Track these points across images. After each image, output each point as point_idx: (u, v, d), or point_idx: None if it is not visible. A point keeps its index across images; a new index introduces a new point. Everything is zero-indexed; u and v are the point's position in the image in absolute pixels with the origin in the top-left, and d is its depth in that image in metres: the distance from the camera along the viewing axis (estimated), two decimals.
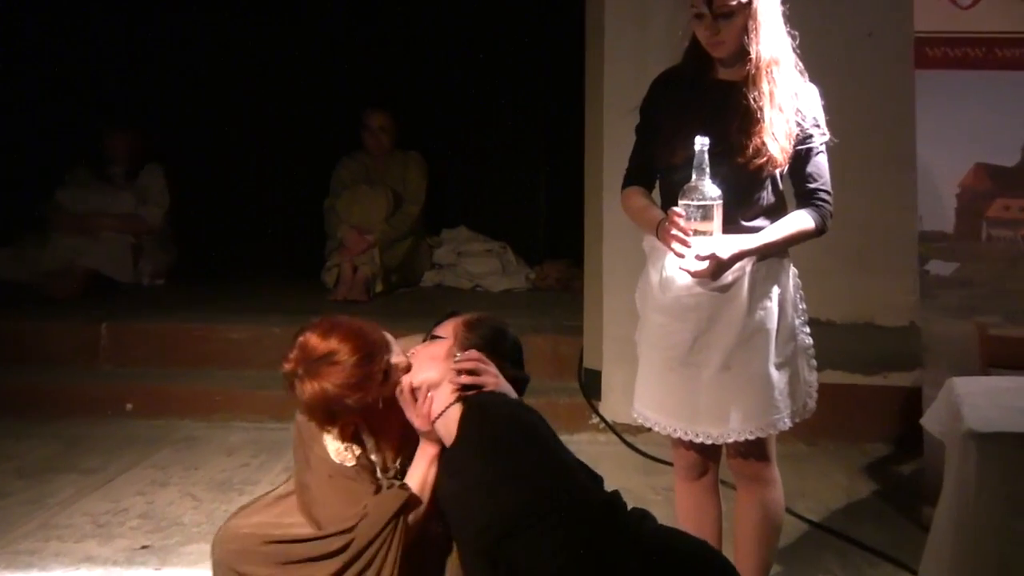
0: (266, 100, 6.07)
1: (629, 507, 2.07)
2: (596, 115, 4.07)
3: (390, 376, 2.18)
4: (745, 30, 2.20)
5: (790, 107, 2.24)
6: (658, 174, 2.39)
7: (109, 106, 5.86)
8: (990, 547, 2.05)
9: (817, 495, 3.45)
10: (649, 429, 2.43)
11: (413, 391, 2.20)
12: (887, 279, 3.87)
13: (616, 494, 2.07)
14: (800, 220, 2.29)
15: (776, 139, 2.21)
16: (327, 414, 2.17)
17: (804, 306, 2.40)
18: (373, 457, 2.29)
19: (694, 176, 2.16)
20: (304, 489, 2.26)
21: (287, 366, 2.15)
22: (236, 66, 6.01)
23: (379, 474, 2.27)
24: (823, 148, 2.32)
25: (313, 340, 2.15)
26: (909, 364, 3.79)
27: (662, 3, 3.65)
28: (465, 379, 2.16)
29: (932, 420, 2.51)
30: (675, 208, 2.17)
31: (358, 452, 2.24)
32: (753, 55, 2.21)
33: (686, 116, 2.25)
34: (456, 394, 2.16)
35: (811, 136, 2.29)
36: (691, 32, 2.28)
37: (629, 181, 2.43)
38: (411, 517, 2.15)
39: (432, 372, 2.20)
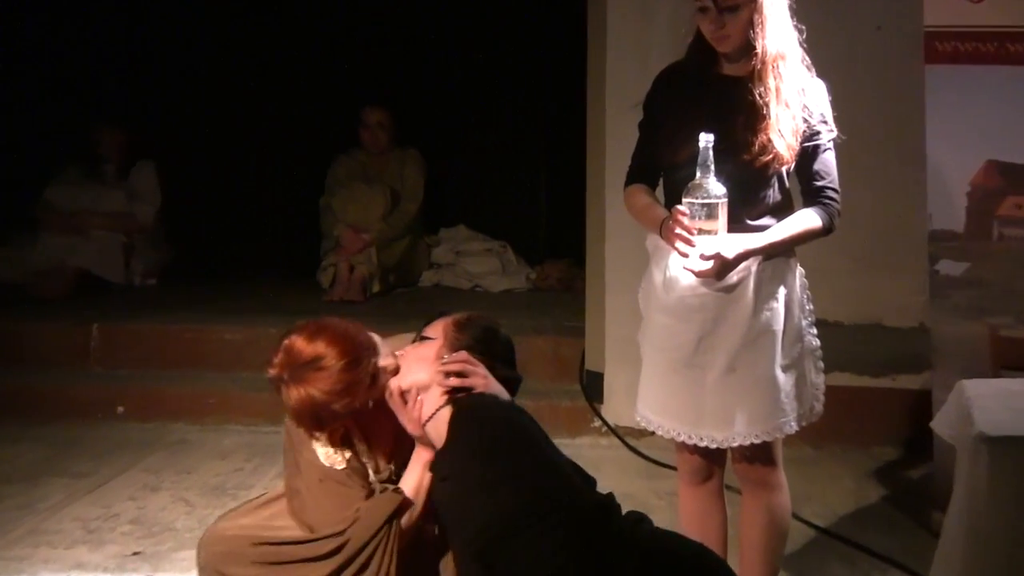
0: (261, 96, 6.07)
1: (627, 510, 2.07)
2: (598, 111, 4.07)
3: (378, 380, 2.19)
4: (751, 24, 2.20)
5: (797, 103, 2.24)
6: (662, 172, 2.39)
7: (100, 102, 5.87)
8: (1001, 553, 2.05)
9: (824, 500, 3.45)
10: (652, 432, 2.42)
11: (403, 394, 2.20)
12: (896, 279, 3.87)
13: (610, 496, 2.07)
14: (807, 219, 2.29)
15: (782, 136, 2.21)
16: (314, 420, 2.17)
17: (811, 307, 2.40)
18: (364, 460, 2.29)
19: (698, 174, 2.15)
20: (295, 494, 2.27)
21: (272, 371, 2.16)
22: (230, 61, 6.02)
23: (372, 477, 2.28)
24: (831, 145, 2.32)
25: (299, 344, 2.15)
26: (918, 366, 3.79)
27: None
28: (453, 381, 2.16)
29: (942, 423, 2.51)
30: (679, 206, 2.17)
31: (348, 455, 2.25)
32: (759, 50, 2.21)
33: (690, 112, 2.25)
34: (445, 396, 2.16)
35: (818, 133, 2.29)
36: (695, 26, 2.28)
37: (632, 179, 2.43)
38: (405, 521, 2.16)
39: (421, 374, 2.20)
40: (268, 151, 6.14)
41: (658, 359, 2.38)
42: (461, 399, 2.14)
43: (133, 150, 5.75)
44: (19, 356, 4.55)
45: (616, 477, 3.63)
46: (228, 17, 5.95)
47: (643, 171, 2.42)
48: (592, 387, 4.18)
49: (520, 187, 6.21)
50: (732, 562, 2.44)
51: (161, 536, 3.17)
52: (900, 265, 3.84)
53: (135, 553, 3.05)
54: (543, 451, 2.04)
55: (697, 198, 2.15)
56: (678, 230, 2.16)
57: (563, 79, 5.21)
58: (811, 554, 3.07)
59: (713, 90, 2.28)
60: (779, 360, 2.29)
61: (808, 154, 2.29)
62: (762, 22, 2.20)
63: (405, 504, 2.16)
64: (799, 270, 2.38)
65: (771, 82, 2.21)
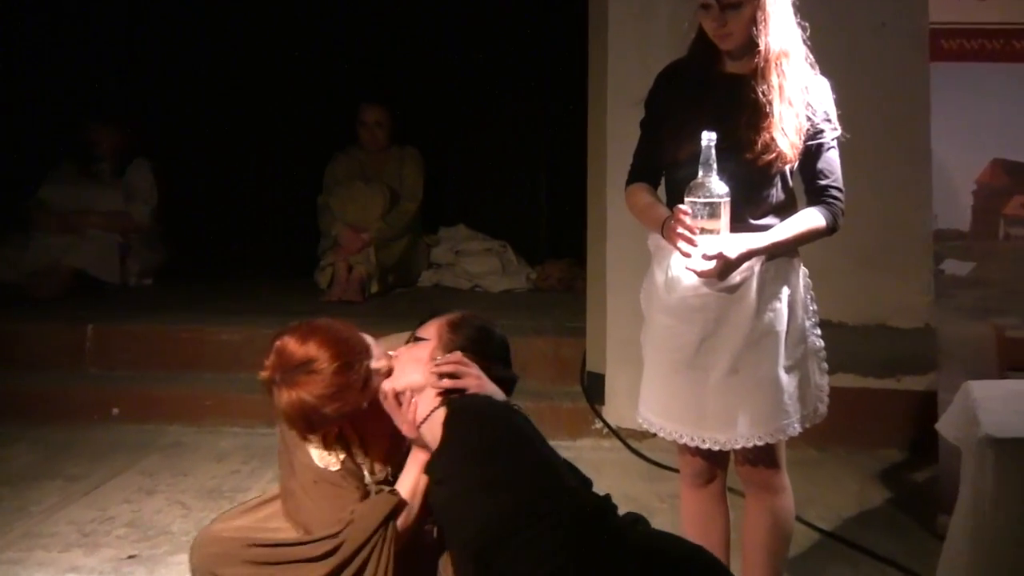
0: (259, 94, 6.08)
1: (626, 512, 2.07)
2: (599, 110, 4.07)
3: (370, 383, 2.19)
4: (753, 21, 2.20)
5: (800, 101, 2.24)
6: (664, 170, 2.39)
7: (95, 100, 5.87)
8: (1007, 557, 2.05)
9: (828, 503, 3.45)
10: (654, 435, 2.43)
11: (397, 396, 2.20)
12: (901, 279, 3.87)
13: (607, 498, 2.07)
14: (811, 218, 2.29)
15: (786, 134, 2.21)
16: (305, 423, 2.18)
17: (815, 307, 2.40)
18: (359, 461, 2.30)
19: (701, 172, 2.15)
20: (289, 495, 2.27)
21: (264, 373, 2.17)
22: (228, 59, 6.02)
23: (367, 479, 2.28)
24: (834, 143, 2.32)
25: (291, 346, 2.16)
26: (923, 367, 3.80)
27: None
28: (446, 383, 2.16)
29: (947, 425, 2.51)
30: (681, 206, 2.17)
31: (342, 456, 2.26)
32: (762, 47, 2.21)
33: (692, 111, 2.25)
34: (440, 398, 2.16)
35: (822, 131, 2.29)
36: (697, 23, 2.28)
37: (633, 178, 2.43)
38: (402, 522, 2.16)
39: (415, 376, 2.20)
40: (266, 149, 6.15)
41: (660, 360, 2.38)
42: (454, 400, 2.14)
43: (129, 148, 5.74)
44: (13, 357, 4.55)
45: (618, 479, 3.64)
46: (225, 14, 5.95)
47: (645, 170, 2.42)
48: (593, 388, 4.18)
49: (520, 186, 6.21)
50: (735, 566, 2.45)
51: (157, 539, 3.17)
52: (905, 265, 3.84)
53: (130, 557, 3.05)
54: (538, 452, 2.04)
55: (699, 197, 2.15)
56: (680, 229, 2.16)
57: (564, 76, 5.21)
58: (815, 557, 3.07)
59: (715, 88, 2.28)
60: (782, 361, 2.29)
61: (811, 153, 2.29)
62: (765, 19, 2.20)
63: (401, 505, 2.16)
64: (803, 270, 2.38)
65: (774, 80, 2.21)
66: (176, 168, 5.84)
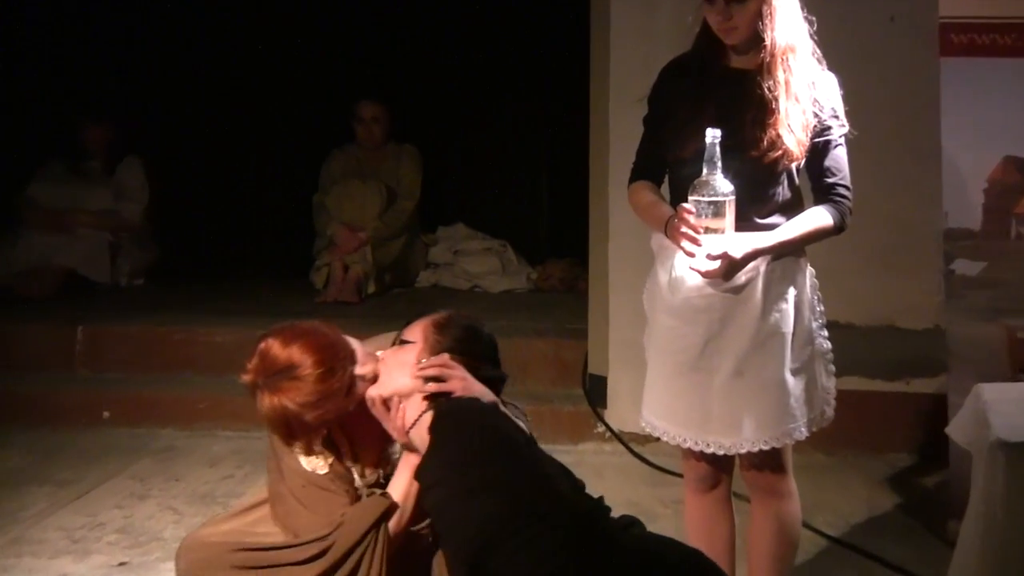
0: (254, 90, 6.07)
1: (624, 515, 2.07)
2: (601, 106, 4.07)
3: (354, 389, 2.20)
4: (759, 15, 2.20)
5: (807, 97, 2.24)
6: (667, 168, 2.39)
7: (85, 96, 5.86)
8: (1019, 563, 2.05)
9: (836, 508, 3.45)
10: (657, 438, 2.43)
11: (385, 402, 2.21)
12: (910, 279, 3.87)
13: (600, 500, 2.07)
14: (817, 217, 2.29)
15: (792, 131, 2.21)
16: (286, 429, 2.20)
17: (822, 308, 2.41)
18: (349, 465, 2.30)
19: (705, 170, 2.16)
20: (279, 499, 2.28)
21: (246, 377, 2.18)
22: (221, 54, 6.02)
23: (358, 482, 2.29)
24: (842, 141, 2.32)
25: (274, 349, 2.18)
26: (933, 369, 3.80)
27: None
28: (432, 387, 2.17)
29: (958, 429, 2.51)
30: (685, 204, 2.17)
31: (331, 460, 2.26)
32: (768, 42, 2.21)
33: (697, 107, 2.25)
34: (427, 402, 2.16)
35: (829, 128, 2.29)
36: (702, 17, 2.28)
37: (636, 176, 2.43)
38: (393, 525, 2.17)
39: (402, 381, 2.20)
40: (260, 147, 6.15)
41: (663, 362, 2.38)
42: (440, 405, 2.14)
43: (119, 146, 5.75)
44: (1, 359, 4.55)
45: (620, 484, 3.64)
46: (219, 8, 5.95)
47: (648, 168, 2.42)
48: (595, 391, 4.18)
49: (521, 184, 6.21)
50: (740, 573, 2.45)
51: (148, 546, 3.17)
52: (914, 265, 3.84)
53: (121, 564, 3.05)
54: (522, 457, 2.03)
55: (704, 196, 2.15)
56: (684, 229, 2.16)
57: (565, 72, 5.21)
58: (822, 564, 3.07)
59: (720, 84, 2.28)
60: (788, 363, 2.29)
61: (818, 150, 2.29)
62: (771, 13, 2.20)
63: (393, 508, 2.17)
64: (809, 270, 2.38)
65: (780, 75, 2.21)
66: (168, 166, 5.84)
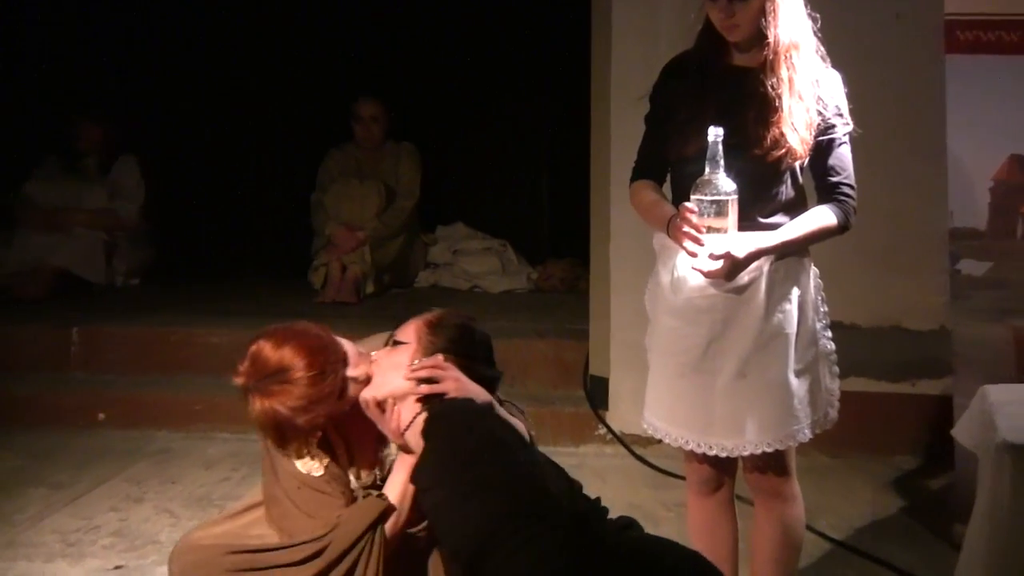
0: (251, 88, 6.07)
1: (619, 516, 2.07)
2: (602, 103, 4.07)
3: (346, 392, 2.20)
4: (762, 12, 2.20)
5: (811, 95, 2.24)
6: (669, 167, 2.39)
7: (81, 94, 5.87)
8: None
9: (840, 511, 3.45)
10: (660, 441, 2.43)
11: (379, 405, 2.21)
12: (915, 279, 3.87)
13: (596, 501, 2.07)
14: (821, 216, 2.29)
15: (796, 129, 2.21)
16: (278, 433, 2.21)
17: (825, 308, 2.40)
18: (345, 466, 2.30)
19: (707, 169, 2.16)
20: (274, 502, 2.28)
21: (238, 380, 2.19)
22: (219, 52, 6.02)
23: (353, 484, 2.29)
24: (846, 139, 2.32)
25: (266, 351, 2.18)
26: (939, 371, 3.79)
27: None
28: (424, 388, 2.17)
29: (964, 431, 2.51)
30: (687, 203, 2.17)
31: (326, 462, 2.26)
32: (771, 39, 2.21)
33: (699, 105, 2.25)
34: (420, 404, 2.17)
35: (833, 126, 2.29)
36: (704, 14, 2.28)
37: (638, 174, 2.43)
38: (390, 527, 2.17)
39: (395, 384, 2.20)
40: (257, 145, 6.15)
41: (665, 363, 2.38)
42: (432, 407, 2.14)
43: (115, 144, 5.75)
44: None
45: (622, 487, 3.64)
46: (215, 5, 5.95)
47: (649, 166, 2.42)
48: (597, 393, 4.18)
49: (521, 183, 6.21)
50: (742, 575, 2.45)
51: (144, 549, 3.17)
52: (919, 265, 3.84)
53: (117, 567, 3.05)
54: (518, 457, 2.03)
55: (706, 195, 2.15)
56: (686, 228, 2.16)
57: (566, 69, 5.21)
58: (826, 568, 3.07)
59: (723, 82, 2.28)
60: (792, 365, 2.29)
61: (822, 148, 2.29)
62: (774, 10, 2.20)
63: (389, 510, 2.17)
64: (813, 270, 2.38)
65: (784, 73, 2.21)
66: (165, 164, 5.84)
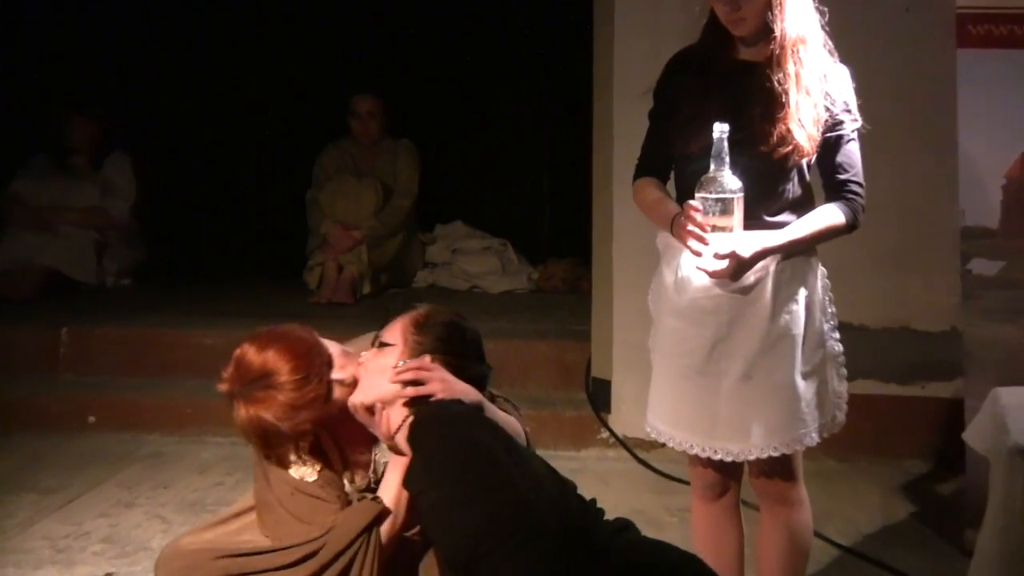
0: (243, 83, 6.08)
1: (615, 519, 2.06)
2: (605, 99, 4.07)
3: (332, 396, 2.20)
4: (768, 5, 2.20)
5: (818, 90, 2.24)
6: (673, 164, 2.39)
7: (71, 89, 5.87)
8: None
9: (849, 517, 3.45)
10: (663, 444, 2.43)
11: (368, 409, 2.21)
12: (925, 279, 3.87)
13: (591, 503, 2.07)
14: (829, 215, 2.29)
15: (803, 126, 2.21)
16: (262, 441, 2.22)
17: (833, 309, 2.40)
18: (339, 470, 2.31)
19: (712, 166, 2.15)
20: (267, 508, 2.28)
21: (222, 386, 2.20)
22: (210, 46, 6.02)
23: (347, 487, 2.29)
24: (854, 135, 2.32)
25: (249, 355, 2.20)
26: (950, 373, 3.80)
27: None
28: (410, 391, 2.17)
29: (975, 434, 2.51)
30: (691, 202, 2.17)
31: (319, 466, 2.27)
32: (777, 33, 2.21)
33: (704, 100, 2.25)
34: (409, 407, 2.17)
35: (841, 122, 2.29)
36: (709, 8, 2.28)
37: (641, 172, 2.43)
38: (386, 530, 2.17)
39: (382, 387, 2.20)
40: (251, 142, 6.15)
41: (669, 366, 2.38)
42: (417, 411, 2.14)
43: (106, 141, 5.75)
44: None
45: (625, 492, 3.64)
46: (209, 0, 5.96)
47: (653, 164, 2.42)
48: (599, 395, 4.19)
49: (522, 180, 6.21)
50: None
51: (135, 556, 3.17)
52: (930, 264, 3.84)
53: (108, 574, 3.05)
54: (506, 461, 2.02)
55: (711, 193, 2.15)
56: (690, 227, 2.16)
57: (568, 64, 5.22)
58: (834, 575, 3.06)
59: (728, 77, 2.28)
60: (799, 367, 2.29)
61: (830, 145, 2.29)
62: (780, 3, 2.20)
63: (384, 513, 2.18)
64: (821, 270, 2.38)
65: (790, 68, 2.21)
66: (157, 162, 5.84)
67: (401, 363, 2.20)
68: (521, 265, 5.84)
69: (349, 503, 2.26)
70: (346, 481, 2.33)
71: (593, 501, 2.08)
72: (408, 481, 2.07)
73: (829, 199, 2.33)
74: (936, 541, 3.29)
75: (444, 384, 2.17)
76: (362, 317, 4.75)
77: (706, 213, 2.15)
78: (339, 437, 2.33)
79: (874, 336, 3.89)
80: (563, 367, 4.39)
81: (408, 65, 6.00)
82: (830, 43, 2.30)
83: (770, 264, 2.26)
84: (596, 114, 4.26)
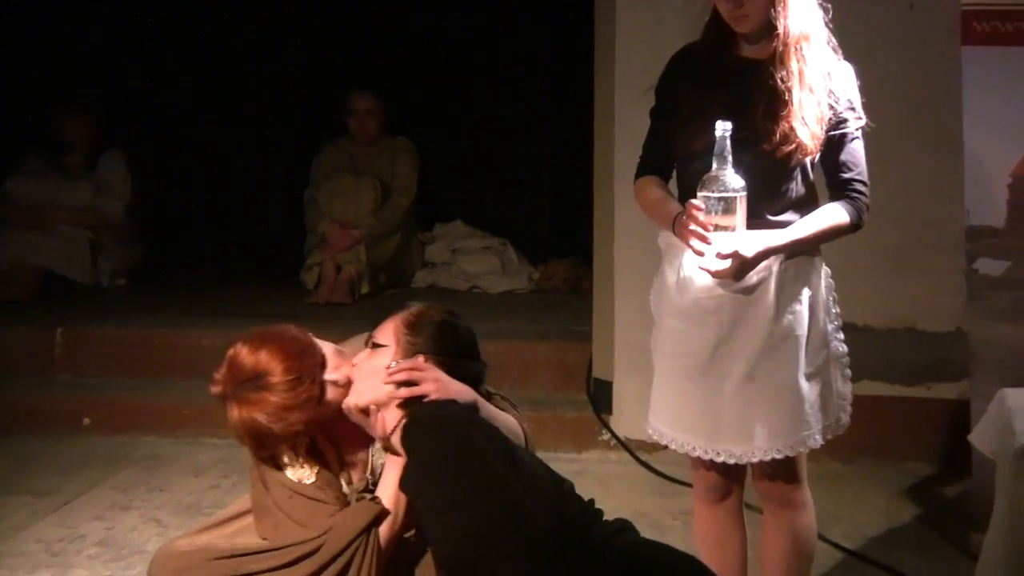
0: (240, 80, 6.08)
1: (614, 520, 2.06)
2: (606, 97, 4.07)
3: (325, 397, 2.21)
4: (771, 2, 2.20)
5: (822, 88, 2.24)
6: (675, 163, 2.39)
7: (65, 87, 5.86)
8: None
9: (853, 520, 3.45)
10: (665, 447, 2.42)
11: (363, 411, 2.21)
12: (931, 279, 3.87)
13: (589, 504, 2.07)
14: (833, 214, 2.29)
15: (806, 124, 2.21)
16: (255, 442, 2.22)
17: (837, 310, 2.40)
18: (337, 472, 2.31)
19: (715, 165, 2.16)
20: (264, 512, 2.28)
21: (215, 388, 2.21)
22: (206, 43, 6.02)
23: (345, 489, 2.29)
24: (859, 134, 2.32)
25: (242, 355, 2.22)
26: (955, 374, 3.80)
27: None
28: (403, 393, 2.17)
29: (981, 436, 2.51)
30: (694, 200, 2.17)
31: (316, 468, 2.27)
32: (780, 30, 2.21)
33: (706, 98, 2.25)
34: (402, 408, 2.17)
35: (845, 120, 2.29)
36: (712, 5, 2.28)
37: (643, 170, 2.43)
38: (386, 530, 2.17)
39: (376, 389, 2.20)
40: (248, 140, 6.15)
41: (671, 367, 2.38)
42: (413, 413, 2.13)
43: (100, 138, 5.74)
44: None
45: (626, 495, 3.64)
46: None
47: (655, 162, 2.42)
48: (600, 397, 4.19)
49: (522, 179, 6.21)
50: None
51: (131, 559, 3.17)
52: (935, 264, 3.84)
53: None
54: (499, 465, 2.02)
55: (713, 191, 2.15)
56: (693, 226, 2.16)
57: (569, 61, 5.22)
58: None
59: (731, 74, 2.28)
60: (803, 368, 2.29)
61: (834, 143, 2.29)
62: (784, 0, 2.20)
63: (383, 514, 2.18)
64: (824, 270, 2.38)
65: (794, 65, 2.21)
66: (152, 160, 5.84)
67: (394, 364, 2.20)
68: (521, 265, 5.84)
69: (347, 504, 2.26)
70: (343, 482, 2.33)
71: (591, 502, 2.08)
72: (404, 484, 2.08)
73: (833, 198, 2.33)
74: (941, 544, 3.29)
75: (438, 384, 2.17)
76: (360, 317, 4.74)
77: (708, 212, 2.15)
78: (335, 437, 2.33)
79: (879, 337, 3.89)
80: (564, 368, 4.39)
81: (407, 63, 6.00)
82: (834, 40, 2.30)
83: (773, 264, 2.26)
84: (597, 112, 4.26)
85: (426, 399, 2.15)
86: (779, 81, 2.21)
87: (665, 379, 2.40)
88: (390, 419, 2.18)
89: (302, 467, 2.27)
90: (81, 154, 5.74)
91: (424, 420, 2.10)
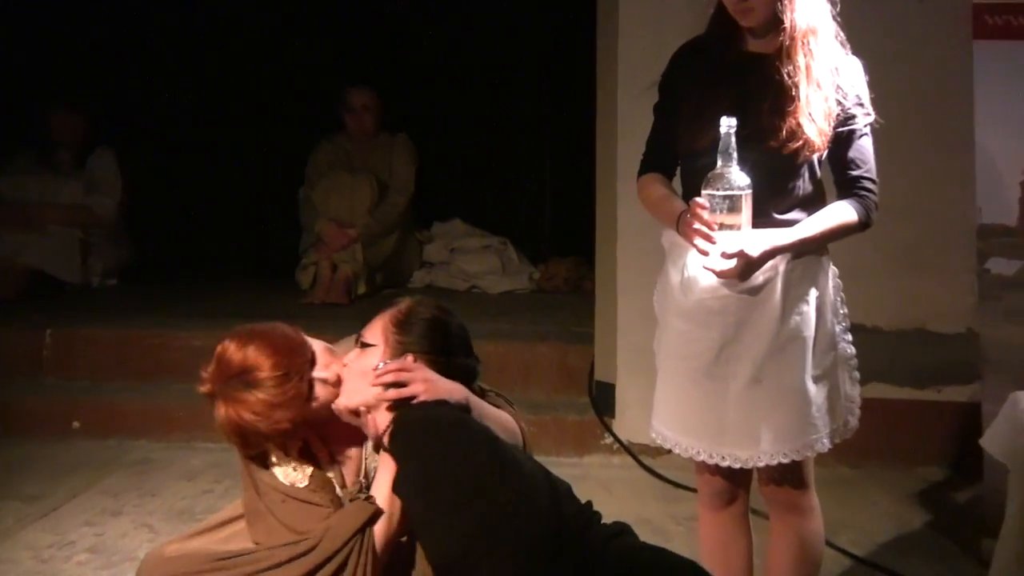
0: (233, 76, 6.08)
1: (612, 523, 2.06)
2: (609, 93, 4.08)
3: (314, 395, 2.21)
4: None
5: (829, 83, 2.24)
6: (679, 160, 2.39)
7: (55, 83, 5.87)
8: None
9: (862, 526, 3.45)
10: (669, 451, 2.43)
11: (353, 412, 2.22)
12: (941, 279, 3.87)
13: (586, 506, 2.06)
14: (841, 212, 2.29)
15: (813, 120, 2.21)
16: (241, 440, 2.22)
17: (845, 310, 2.41)
18: (330, 474, 2.31)
19: (720, 162, 2.16)
20: (257, 517, 2.28)
21: (203, 387, 2.22)
22: (198, 38, 6.02)
23: (339, 491, 2.29)
24: (867, 130, 2.32)
25: (230, 351, 2.22)
26: (966, 376, 3.80)
27: None
28: (392, 394, 2.16)
29: (993, 440, 2.51)
30: (698, 199, 2.17)
31: (309, 470, 2.27)
32: (787, 24, 2.21)
33: (711, 94, 2.25)
34: (393, 410, 2.17)
35: (853, 116, 2.29)
36: None
37: (646, 168, 2.43)
38: (382, 531, 2.17)
39: (365, 390, 2.20)
40: (242, 137, 6.14)
41: (675, 369, 2.38)
42: (401, 415, 2.13)
43: (91, 136, 5.75)
44: None
45: (629, 499, 3.64)
46: None
47: (659, 159, 2.42)
48: (603, 400, 4.19)
49: (522, 177, 6.21)
50: None
51: (122, 566, 3.17)
52: (946, 264, 3.84)
53: None
54: (491, 466, 2.02)
55: (718, 189, 2.15)
56: (697, 225, 2.16)
57: (570, 57, 5.22)
58: None
59: (736, 69, 2.28)
60: (810, 370, 2.29)
61: (842, 140, 2.29)
62: None
63: (377, 514, 2.18)
64: (832, 269, 2.38)
65: (801, 60, 2.21)
66: (143, 158, 5.84)
67: (382, 365, 2.20)
68: (522, 264, 5.84)
69: (341, 506, 2.26)
70: (337, 484, 2.33)
71: (589, 504, 2.08)
72: (395, 488, 2.08)
73: (841, 196, 2.33)
74: (952, 550, 3.29)
75: (427, 384, 2.16)
76: (356, 318, 4.71)
77: (713, 211, 2.15)
78: (327, 437, 2.33)
79: (888, 338, 3.89)
80: (565, 370, 4.39)
81: (407, 60, 6.00)
82: (842, 34, 2.31)
83: (779, 264, 2.26)
84: (599, 108, 4.26)
85: (415, 400, 2.15)
86: (786, 76, 2.21)
87: (669, 381, 2.40)
88: (381, 421, 2.18)
89: (295, 470, 2.27)
90: (71, 151, 5.74)
91: (412, 423, 2.10)
